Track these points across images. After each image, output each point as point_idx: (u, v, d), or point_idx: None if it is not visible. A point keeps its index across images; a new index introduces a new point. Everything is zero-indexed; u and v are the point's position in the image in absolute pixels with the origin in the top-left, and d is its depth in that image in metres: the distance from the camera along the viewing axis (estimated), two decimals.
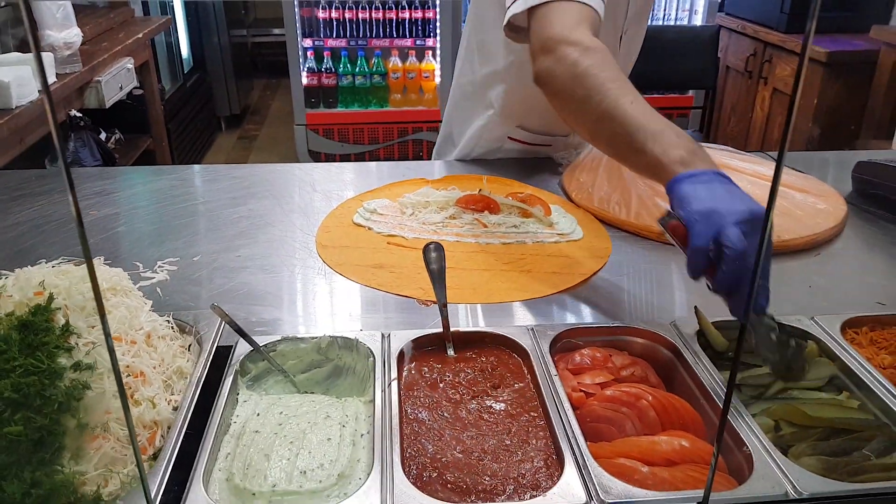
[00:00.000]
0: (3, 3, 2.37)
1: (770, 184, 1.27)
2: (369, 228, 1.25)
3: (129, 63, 2.83)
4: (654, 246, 1.21)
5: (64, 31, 2.44)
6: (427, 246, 0.99)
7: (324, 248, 1.18)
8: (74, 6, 2.52)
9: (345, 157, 4.31)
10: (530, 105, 1.48)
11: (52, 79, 2.29)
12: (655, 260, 1.17)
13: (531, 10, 1.13)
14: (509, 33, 1.23)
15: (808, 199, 1.31)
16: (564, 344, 0.89)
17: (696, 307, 0.93)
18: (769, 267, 0.85)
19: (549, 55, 1.07)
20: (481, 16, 1.47)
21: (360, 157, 4.32)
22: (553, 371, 0.82)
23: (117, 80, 2.70)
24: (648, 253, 1.19)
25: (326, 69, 4.12)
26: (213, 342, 0.87)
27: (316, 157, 4.30)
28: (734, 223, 0.81)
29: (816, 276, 1.12)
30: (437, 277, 0.94)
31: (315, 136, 4.25)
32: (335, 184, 1.46)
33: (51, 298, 0.79)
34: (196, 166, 1.73)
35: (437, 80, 4.20)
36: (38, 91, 2.19)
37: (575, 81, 1.03)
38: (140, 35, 3.06)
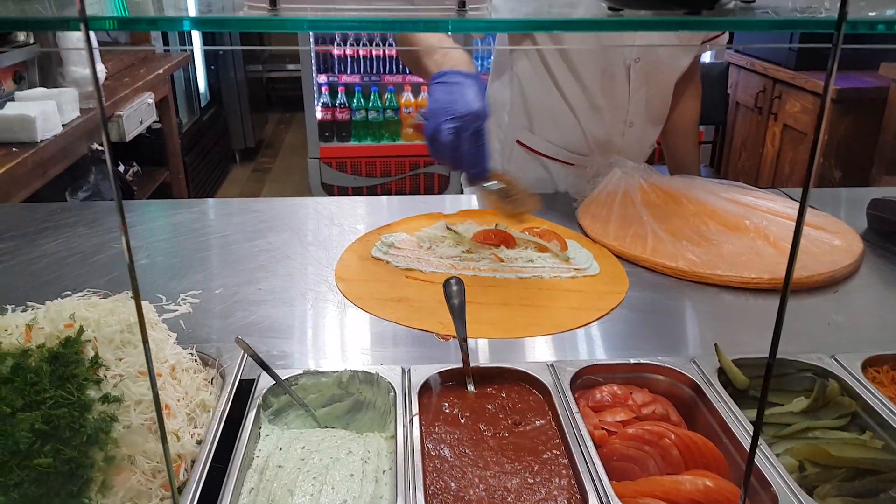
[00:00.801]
0: (31, 41, 2.43)
1: (784, 220, 1.28)
2: (387, 262, 1.26)
3: (149, 98, 2.89)
4: (672, 282, 1.22)
5: (87, 68, 2.50)
6: (447, 280, 1.00)
7: (343, 282, 1.19)
8: (99, 43, 2.58)
9: (357, 190, 4.36)
10: (534, 107, 1.58)
11: (75, 114, 2.34)
12: (673, 295, 1.18)
13: None
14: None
15: (824, 237, 1.31)
16: (585, 381, 0.89)
17: (715, 344, 0.93)
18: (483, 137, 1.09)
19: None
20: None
21: (372, 190, 4.37)
22: (574, 408, 0.82)
23: (138, 115, 2.75)
24: (665, 288, 1.20)
25: (340, 104, 4.18)
26: (236, 375, 0.88)
27: (329, 189, 4.35)
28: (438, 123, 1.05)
29: (835, 313, 1.12)
30: (458, 312, 0.95)
31: (328, 169, 4.30)
32: (352, 217, 1.48)
33: (81, 331, 0.80)
34: (215, 200, 1.76)
35: None
36: (62, 125, 2.24)
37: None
38: (160, 71, 3.13)
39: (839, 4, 0.46)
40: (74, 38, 2.47)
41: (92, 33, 0.45)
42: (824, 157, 2.94)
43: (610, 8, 0.51)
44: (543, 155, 1.62)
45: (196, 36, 4.48)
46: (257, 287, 1.17)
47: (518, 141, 1.62)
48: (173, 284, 1.17)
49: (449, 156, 1.07)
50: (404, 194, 4.42)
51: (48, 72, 2.54)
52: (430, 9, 0.52)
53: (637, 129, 1.60)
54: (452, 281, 1.00)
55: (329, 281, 1.20)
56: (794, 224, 1.33)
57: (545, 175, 1.62)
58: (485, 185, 1.18)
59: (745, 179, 3.62)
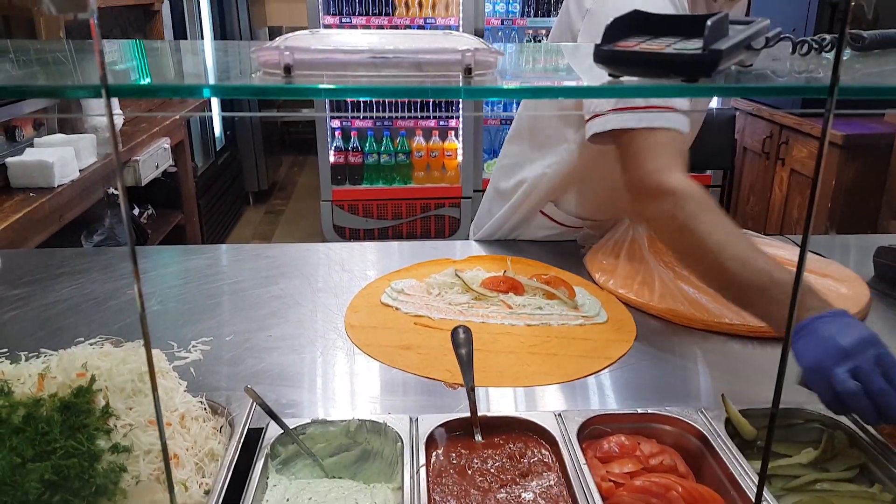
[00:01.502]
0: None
1: (792, 268, 1.28)
2: (397, 309, 1.27)
3: (165, 143, 2.95)
4: (678, 329, 1.22)
5: (103, 116, 2.57)
6: (455, 329, 1.01)
7: (353, 329, 1.20)
8: None
9: (369, 232, 4.39)
10: (569, 189, 1.53)
11: (92, 159, 2.39)
12: (680, 344, 1.18)
13: (615, 133, 1.19)
14: (592, 138, 1.26)
15: (831, 285, 1.32)
16: (592, 430, 0.89)
17: (722, 395, 0.93)
18: None
19: (646, 201, 1.16)
20: (537, 101, 1.52)
21: (383, 232, 4.40)
22: (582, 459, 0.82)
23: (154, 160, 2.81)
24: (673, 336, 1.20)
25: (353, 148, 4.25)
26: (245, 424, 0.89)
27: (341, 231, 4.39)
28: (837, 367, 0.84)
29: None
30: (465, 361, 0.96)
31: (340, 211, 4.34)
32: (362, 263, 1.49)
33: (93, 380, 0.81)
34: (228, 246, 1.79)
35: (460, 158, 4.31)
36: (80, 170, 2.29)
37: (674, 236, 1.14)
38: (177, 116, 3.20)
39: (832, 70, 0.48)
40: None
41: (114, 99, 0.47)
42: (832, 203, 2.95)
43: (610, 75, 0.53)
44: (562, 224, 1.61)
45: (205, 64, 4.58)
46: (268, 334, 1.19)
47: (542, 212, 1.59)
48: (185, 331, 1.19)
49: (861, 407, 0.83)
50: (415, 236, 4.46)
51: (67, 118, 2.61)
52: (438, 76, 0.54)
53: None
54: (460, 330, 1.01)
55: (339, 328, 1.21)
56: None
57: (555, 231, 1.62)
58: None
59: (753, 224, 3.63)
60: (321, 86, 0.50)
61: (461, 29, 4.13)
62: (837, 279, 1.34)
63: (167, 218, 3.35)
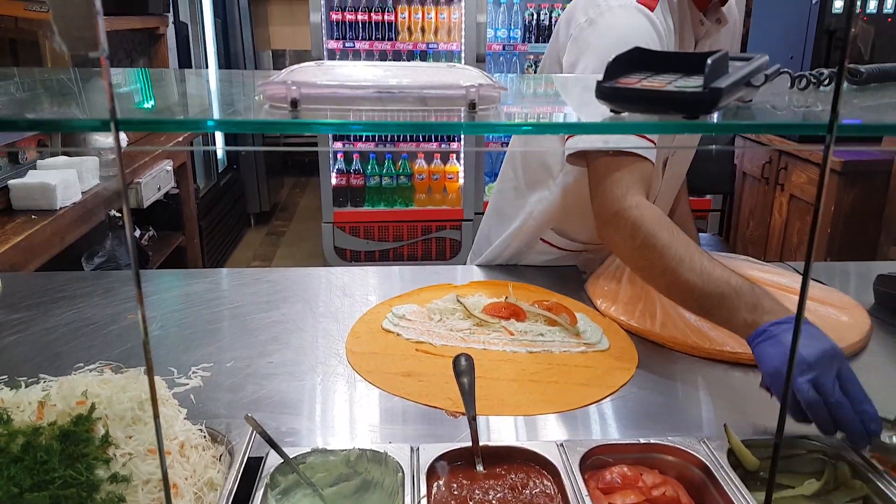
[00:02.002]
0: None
1: (792, 295, 1.29)
2: (398, 335, 1.27)
3: (168, 165, 2.97)
4: (680, 357, 1.22)
5: (110, 136, 2.58)
6: (457, 357, 1.01)
7: (354, 355, 1.20)
8: None
9: (370, 254, 4.40)
10: (570, 215, 1.54)
11: (95, 181, 2.40)
12: (682, 371, 1.17)
13: (586, 154, 1.25)
14: (570, 159, 1.29)
15: (832, 312, 1.32)
16: (594, 461, 0.89)
17: (725, 425, 0.93)
18: (860, 392, 0.91)
19: (608, 225, 1.22)
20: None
21: (384, 254, 4.40)
22: (584, 491, 0.81)
23: (156, 182, 2.82)
24: (675, 364, 1.20)
25: (355, 170, 4.27)
26: (245, 453, 0.88)
27: (342, 253, 4.39)
28: (800, 377, 0.89)
29: None
30: (467, 390, 0.96)
31: (342, 233, 4.35)
32: (363, 288, 1.49)
33: (92, 408, 0.81)
34: (228, 270, 1.79)
35: (461, 180, 4.33)
36: (82, 193, 2.30)
37: (634, 256, 1.20)
38: (180, 138, 3.22)
39: (831, 107, 0.48)
40: None
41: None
42: (831, 229, 2.96)
43: (612, 111, 0.54)
44: (563, 249, 1.62)
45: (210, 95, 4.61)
46: (268, 360, 1.18)
47: (542, 239, 1.60)
48: (185, 357, 1.19)
49: (820, 416, 0.88)
50: (416, 258, 4.46)
51: (70, 140, 2.62)
52: (443, 110, 0.55)
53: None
54: (462, 358, 1.00)
55: (340, 354, 1.21)
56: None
57: (555, 256, 1.63)
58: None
59: (753, 248, 3.63)
60: (327, 121, 0.50)
61: (463, 54, 4.16)
62: (838, 307, 1.34)
63: (168, 240, 3.35)
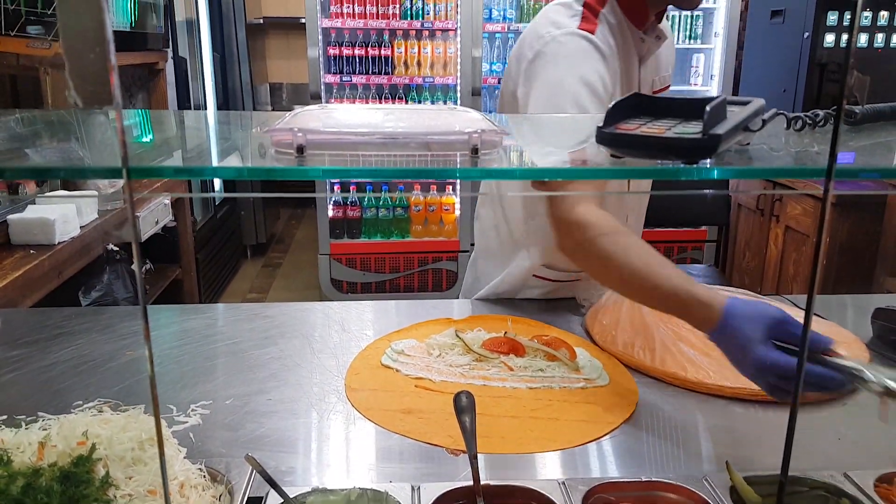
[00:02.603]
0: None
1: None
2: (397, 370, 1.27)
3: (166, 199, 2.98)
4: (680, 393, 1.22)
5: (105, 153, 2.60)
6: (457, 395, 1.01)
7: (353, 392, 1.20)
8: None
9: (366, 286, 4.39)
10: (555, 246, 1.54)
11: (93, 216, 2.41)
12: (682, 408, 1.17)
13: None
14: (535, 185, 1.32)
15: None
16: (597, 500, 0.88)
17: (727, 462, 0.93)
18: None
19: (561, 234, 1.27)
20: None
21: (381, 286, 4.40)
22: None
23: (154, 216, 2.83)
24: (675, 400, 1.19)
25: (351, 202, 4.29)
26: (245, 493, 0.88)
27: (338, 285, 4.39)
28: (757, 349, 0.96)
29: (845, 427, 1.11)
30: (468, 429, 0.95)
31: (338, 265, 4.36)
32: (361, 323, 1.49)
33: (93, 449, 0.81)
34: (226, 305, 1.79)
35: (457, 212, 4.35)
36: (80, 227, 2.30)
37: (589, 262, 1.25)
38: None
39: (828, 155, 0.50)
40: None
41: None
42: (827, 261, 2.98)
43: (612, 155, 0.55)
44: (557, 280, 1.63)
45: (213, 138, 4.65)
46: (267, 397, 1.18)
47: (535, 275, 1.62)
48: (184, 394, 1.18)
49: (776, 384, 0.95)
50: (413, 290, 4.46)
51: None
52: (447, 155, 0.55)
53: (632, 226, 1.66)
54: (462, 396, 1.00)
55: (339, 391, 1.21)
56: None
57: (549, 289, 1.64)
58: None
59: (750, 279, 3.64)
60: (334, 167, 0.51)
61: (459, 88, 4.22)
62: (837, 341, 1.34)
63: (165, 273, 3.35)
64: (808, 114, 0.73)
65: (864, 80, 0.94)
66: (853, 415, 1.15)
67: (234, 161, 0.55)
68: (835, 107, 0.77)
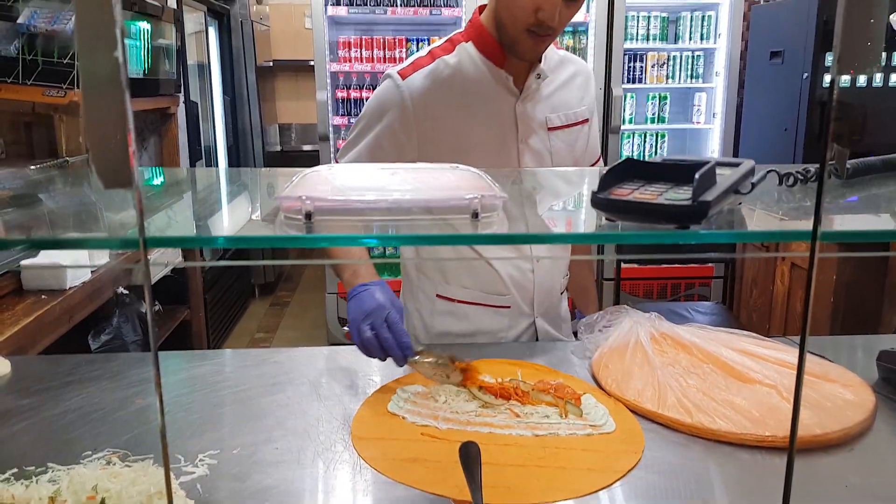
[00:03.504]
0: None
1: (806, 378, 1.29)
2: (403, 418, 1.28)
3: None
4: (687, 439, 1.22)
5: (120, 214, 2.64)
6: (463, 445, 1.02)
7: (359, 440, 1.20)
8: None
9: None
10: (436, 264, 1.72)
11: (104, 259, 2.44)
12: (690, 456, 1.17)
13: None
14: None
15: (837, 390, 1.32)
16: None
17: None
18: (401, 329, 1.35)
19: None
20: None
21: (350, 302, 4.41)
22: None
23: (164, 258, 2.86)
24: (682, 448, 1.19)
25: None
26: None
27: (345, 323, 4.40)
28: (361, 323, 1.36)
29: (852, 474, 1.11)
30: (475, 480, 0.96)
31: (345, 303, 4.37)
32: (368, 367, 1.50)
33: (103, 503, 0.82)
34: (233, 351, 1.80)
35: None
36: (91, 272, 2.34)
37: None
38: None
39: (813, 217, 0.51)
40: None
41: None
42: (833, 300, 2.97)
43: (607, 219, 0.57)
44: (463, 301, 1.69)
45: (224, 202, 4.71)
46: (274, 446, 1.19)
47: (438, 294, 1.70)
48: (192, 443, 1.19)
49: (376, 348, 1.34)
50: None
51: None
52: (449, 219, 0.57)
53: (545, 262, 1.69)
54: (469, 446, 1.01)
55: (345, 439, 1.21)
56: (808, 378, 1.35)
57: (469, 326, 1.70)
58: (412, 359, 1.37)
59: (757, 317, 3.64)
60: (341, 235, 0.53)
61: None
62: (843, 384, 1.34)
63: (173, 314, 3.37)
64: (799, 171, 0.75)
65: (843, 152, 0.96)
66: (861, 461, 1.15)
67: (245, 230, 0.57)
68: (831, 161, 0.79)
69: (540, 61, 1.57)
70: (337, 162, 1.63)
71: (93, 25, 0.40)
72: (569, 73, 1.66)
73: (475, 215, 0.59)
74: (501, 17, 1.48)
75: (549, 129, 1.62)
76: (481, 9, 1.59)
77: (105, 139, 0.39)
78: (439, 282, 1.70)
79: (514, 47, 1.50)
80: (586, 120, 1.70)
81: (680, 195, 0.54)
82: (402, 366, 1.37)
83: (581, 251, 1.91)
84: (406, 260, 1.80)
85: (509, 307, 1.69)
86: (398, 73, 1.53)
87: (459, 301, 1.69)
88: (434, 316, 1.72)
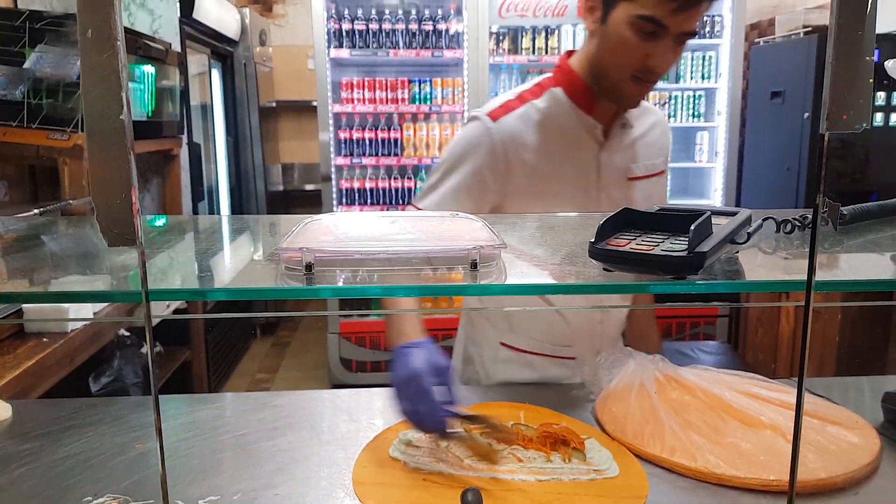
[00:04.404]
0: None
1: (810, 421, 1.27)
2: (405, 463, 1.27)
3: None
4: (691, 484, 1.20)
5: (123, 255, 2.65)
6: (464, 493, 1.01)
7: (361, 486, 1.19)
8: None
9: (375, 364, 4.38)
10: (516, 321, 1.67)
11: (105, 303, 2.45)
12: (694, 500, 1.16)
13: None
14: None
15: (842, 433, 1.31)
16: None
17: None
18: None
19: None
20: None
21: (390, 365, 4.39)
22: None
23: (160, 309, 2.86)
24: (685, 492, 1.18)
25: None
26: None
27: (347, 364, 4.38)
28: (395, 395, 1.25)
29: None
30: None
31: (348, 343, 4.36)
32: (369, 412, 1.50)
33: None
34: (234, 395, 1.80)
35: None
36: (94, 313, 2.34)
37: None
38: None
39: (807, 269, 0.52)
40: None
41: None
42: (839, 338, 2.96)
43: (604, 269, 0.57)
44: (528, 352, 1.67)
45: (226, 252, 4.74)
46: (275, 492, 1.18)
47: (502, 343, 1.68)
48: (192, 489, 1.18)
49: (416, 423, 1.25)
50: None
51: None
52: (448, 269, 0.58)
53: (616, 312, 1.68)
54: (469, 494, 1.00)
55: (346, 485, 1.20)
56: (812, 421, 1.34)
57: (533, 374, 1.68)
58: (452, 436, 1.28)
59: (763, 356, 3.62)
60: (341, 286, 0.54)
61: None
62: (847, 427, 1.33)
63: (174, 355, 3.37)
64: (796, 217, 0.76)
65: (835, 206, 0.97)
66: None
67: (246, 281, 0.58)
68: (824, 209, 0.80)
69: (625, 110, 1.56)
70: (414, 206, 1.56)
71: (99, 85, 0.41)
72: (650, 123, 1.65)
73: (474, 266, 0.59)
74: (605, 63, 1.45)
75: (630, 178, 1.62)
76: (569, 54, 1.57)
77: (110, 198, 0.40)
78: (504, 330, 1.68)
79: (615, 93, 1.47)
80: (663, 171, 1.70)
81: (676, 246, 0.55)
82: (444, 445, 1.28)
83: (643, 301, 1.86)
84: (471, 308, 1.76)
85: (574, 358, 1.68)
86: (487, 114, 1.51)
87: (524, 351, 1.67)
88: (497, 364, 1.70)
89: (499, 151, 1.49)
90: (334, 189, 4.32)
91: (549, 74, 1.60)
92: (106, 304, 2.47)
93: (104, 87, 0.39)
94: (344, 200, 4.38)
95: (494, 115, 1.51)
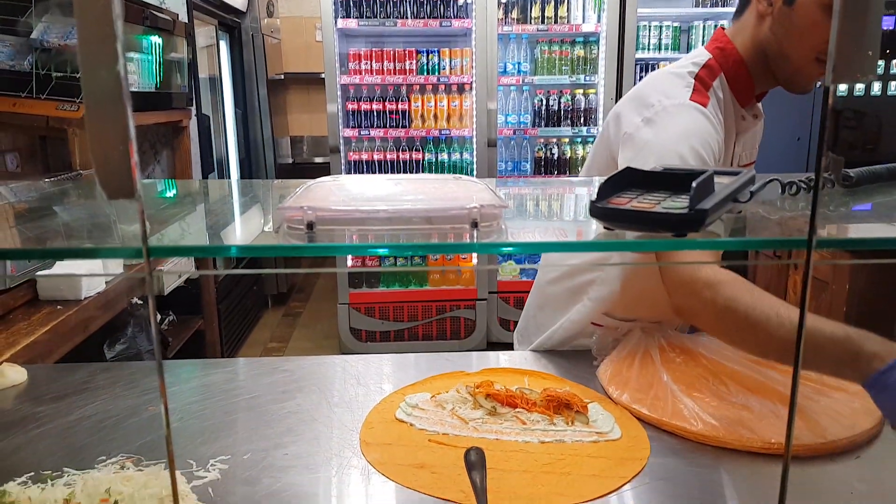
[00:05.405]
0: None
1: (804, 381, 1.28)
2: (411, 425, 1.29)
3: None
4: (693, 446, 1.22)
5: (133, 226, 2.68)
6: (468, 451, 1.03)
7: (367, 446, 1.22)
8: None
9: (385, 334, 4.42)
10: (627, 298, 1.61)
11: (119, 270, 2.47)
12: (694, 461, 1.18)
13: None
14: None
15: (844, 398, 1.32)
16: None
17: None
18: None
19: (683, 295, 1.27)
20: None
21: (399, 334, 4.43)
22: None
23: (177, 268, 2.89)
24: (687, 454, 1.20)
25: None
26: None
27: (357, 334, 4.42)
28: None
29: (857, 481, 1.11)
30: (479, 486, 0.97)
31: (357, 313, 4.40)
32: (378, 376, 1.52)
33: None
34: (246, 360, 1.82)
35: (475, 261, 4.39)
36: (106, 282, 2.37)
37: (718, 320, 1.24)
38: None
39: (808, 225, 0.52)
40: None
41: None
42: (846, 308, 2.96)
43: (605, 227, 0.58)
44: (614, 329, 1.66)
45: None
46: (284, 452, 1.20)
47: (593, 322, 1.66)
48: (204, 449, 1.21)
49: None
50: (431, 338, 4.48)
51: None
52: (448, 228, 0.59)
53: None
54: (472, 452, 1.02)
55: (354, 445, 1.23)
56: (816, 386, 1.35)
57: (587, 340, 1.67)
58: None
59: None
60: (342, 244, 0.55)
61: (475, 139, 4.30)
62: (851, 393, 1.34)
63: (187, 324, 3.41)
64: (802, 179, 0.76)
65: (839, 160, 0.96)
66: (868, 469, 1.15)
67: (248, 239, 0.59)
68: (828, 173, 0.80)
69: (759, 100, 1.55)
70: None
71: (94, 39, 0.42)
72: (762, 114, 1.65)
73: (475, 224, 0.60)
74: (786, 48, 1.40)
75: (740, 165, 1.63)
76: (722, 36, 1.51)
77: (107, 151, 0.41)
78: (600, 314, 1.65)
79: (794, 78, 1.44)
80: (753, 162, 1.70)
81: (677, 204, 0.56)
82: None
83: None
84: (584, 286, 1.67)
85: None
86: (695, 102, 1.42)
87: (612, 328, 1.66)
88: (577, 337, 1.69)
89: (718, 135, 1.43)
90: (343, 161, 4.32)
91: (709, 55, 1.50)
92: (119, 272, 2.50)
93: (99, 37, 0.40)
94: (352, 172, 4.38)
95: (703, 103, 1.42)
